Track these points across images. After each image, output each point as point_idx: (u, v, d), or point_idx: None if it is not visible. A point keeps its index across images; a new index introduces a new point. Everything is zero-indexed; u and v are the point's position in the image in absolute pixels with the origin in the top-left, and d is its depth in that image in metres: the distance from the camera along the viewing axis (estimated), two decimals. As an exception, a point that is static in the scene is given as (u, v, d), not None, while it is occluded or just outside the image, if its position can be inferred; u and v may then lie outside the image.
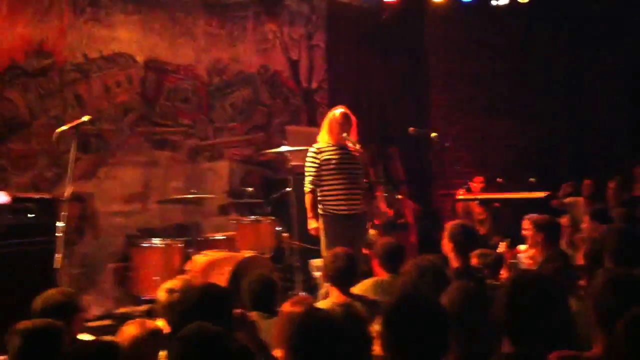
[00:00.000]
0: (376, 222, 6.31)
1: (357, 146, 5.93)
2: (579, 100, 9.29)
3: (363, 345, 2.90)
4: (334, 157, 5.92)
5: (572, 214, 7.04)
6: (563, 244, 6.54)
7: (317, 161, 5.95)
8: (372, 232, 6.70)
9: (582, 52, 9.16)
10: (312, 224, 5.96)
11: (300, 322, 2.68)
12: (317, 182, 5.94)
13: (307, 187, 5.97)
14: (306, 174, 5.99)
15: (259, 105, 8.66)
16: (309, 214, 5.99)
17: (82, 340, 3.61)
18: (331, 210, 5.88)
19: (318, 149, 5.99)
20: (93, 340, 3.45)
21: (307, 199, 6.00)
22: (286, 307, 3.49)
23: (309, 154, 6.03)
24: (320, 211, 5.91)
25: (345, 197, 5.86)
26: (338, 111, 6.02)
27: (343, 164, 5.90)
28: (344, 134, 5.90)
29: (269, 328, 3.61)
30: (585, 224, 6.27)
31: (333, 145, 5.96)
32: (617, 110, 8.99)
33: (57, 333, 3.03)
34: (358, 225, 5.94)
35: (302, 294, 6.39)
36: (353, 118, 6.03)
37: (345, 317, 3.03)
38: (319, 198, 5.92)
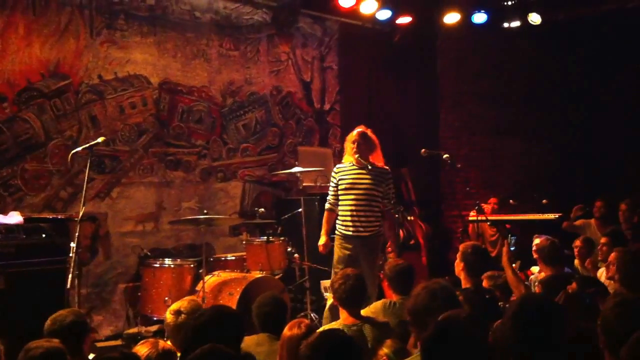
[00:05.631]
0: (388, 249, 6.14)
1: (378, 167, 5.88)
2: (589, 121, 9.25)
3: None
4: (347, 177, 5.90)
5: (585, 236, 6.98)
6: (577, 265, 6.51)
7: (335, 180, 5.98)
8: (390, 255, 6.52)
9: (592, 73, 9.13)
10: (320, 241, 5.98)
11: (317, 342, 2.67)
12: (334, 201, 5.97)
13: (326, 204, 6.04)
14: (328, 192, 6.06)
15: (271, 126, 8.71)
16: (322, 231, 6.01)
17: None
18: (340, 230, 5.89)
19: (338, 168, 6.01)
20: (117, 352, 3.48)
21: (324, 216, 6.04)
22: (285, 331, 3.48)
23: (332, 172, 6.08)
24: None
25: (352, 218, 5.81)
26: (355, 130, 6.00)
27: (355, 184, 5.85)
28: (357, 155, 5.84)
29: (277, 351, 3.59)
30: (603, 246, 6.18)
31: (352, 166, 5.93)
32: (627, 131, 8.94)
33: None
34: (366, 247, 5.80)
35: (313, 315, 6.39)
36: (374, 139, 6.00)
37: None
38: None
